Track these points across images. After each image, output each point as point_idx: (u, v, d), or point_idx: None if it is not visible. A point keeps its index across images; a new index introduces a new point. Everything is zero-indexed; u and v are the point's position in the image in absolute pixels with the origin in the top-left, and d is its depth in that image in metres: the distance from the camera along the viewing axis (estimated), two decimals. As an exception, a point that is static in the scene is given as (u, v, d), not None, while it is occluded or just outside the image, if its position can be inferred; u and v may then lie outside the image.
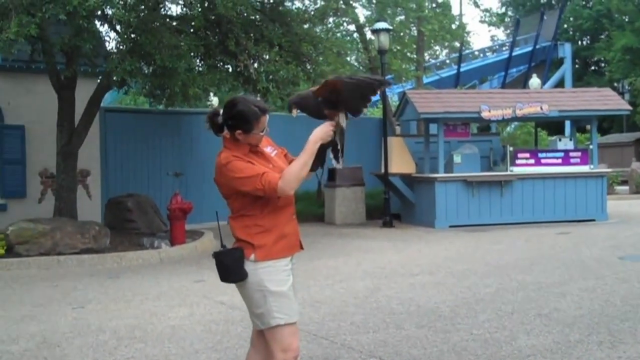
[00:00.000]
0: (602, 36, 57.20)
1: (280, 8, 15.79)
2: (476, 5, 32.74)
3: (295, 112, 4.68)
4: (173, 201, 15.11)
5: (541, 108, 19.45)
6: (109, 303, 10.02)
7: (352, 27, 26.93)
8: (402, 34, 27.18)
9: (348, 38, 27.62)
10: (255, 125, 4.53)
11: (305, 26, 15.99)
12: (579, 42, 59.80)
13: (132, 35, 13.40)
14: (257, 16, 15.01)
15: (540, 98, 20.05)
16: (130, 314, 9.27)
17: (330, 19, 17.68)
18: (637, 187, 31.15)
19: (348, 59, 26.72)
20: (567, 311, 8.64)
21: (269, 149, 4.74)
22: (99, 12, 12.92)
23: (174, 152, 20.44)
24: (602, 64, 59.22)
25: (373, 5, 26.18)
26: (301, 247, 4.82)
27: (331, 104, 4.58)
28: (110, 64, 13.08)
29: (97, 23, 13.96)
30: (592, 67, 61.70)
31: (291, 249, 4.70)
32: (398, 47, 26.31)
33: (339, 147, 4.70)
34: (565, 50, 47.50)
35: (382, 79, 4.62)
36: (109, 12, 13.30)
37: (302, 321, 7.77)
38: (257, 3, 15.55)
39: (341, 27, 21.99)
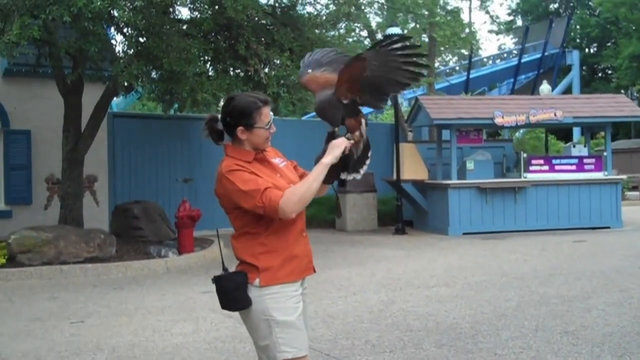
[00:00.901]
0: (609, 44, 57.05)
1: (292, 12, 15.15)
2: (486, 12, 32.00)
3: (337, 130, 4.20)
4: (181, 208, 14.40)
5: (555, 114, 18.87)
6: (110, 317, 9.33)
7: (364, 33, 26.44)
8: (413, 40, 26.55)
9: (360, 45, 27.00)
10: (257, 117, 3.99)
11: (317, 31, 15.27)
12: (587, 50, 59.47)
13: (139, 39, 12.80)
14: (268, 20, 14.36)
15: (553, 104, 19.48)
16: (131, 329, 8.56)
17: (342, 25, 16.92)
18: (646, 193, 30.43)
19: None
20: (594, 328, 7.97)
21: (277, 160, 4.20)
22: (106, 15, 12.18)
23: (183, 157, 19.79)
24: (609, 71, 59.18)
25: (384, 12, 25.62)
26: (313, 270, 4.22)
27: (354, 110, 4.07)
28: (116, 67, 12.42)
29: (104, 26, 13.20)
30: (599, 74, 61.38)
31: (301, 272, 4.12)
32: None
33: (360, 158, 4.19)
34: (573, 58, 47.03)
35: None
36: (116, 14, 12.59)
37: (314, 337, 7.27)
38: (268, 7, 14.91)
39: (353, 33, 21.26)
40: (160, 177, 19.41)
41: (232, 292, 3.96)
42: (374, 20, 28.38)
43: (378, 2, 23.37)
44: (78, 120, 14.97)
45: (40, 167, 17.36)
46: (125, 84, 12.90)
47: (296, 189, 3.89)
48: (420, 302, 9.81)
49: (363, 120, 4.13)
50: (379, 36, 25.62)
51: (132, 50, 12.94)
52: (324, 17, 15.85)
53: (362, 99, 4.04)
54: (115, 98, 31.30)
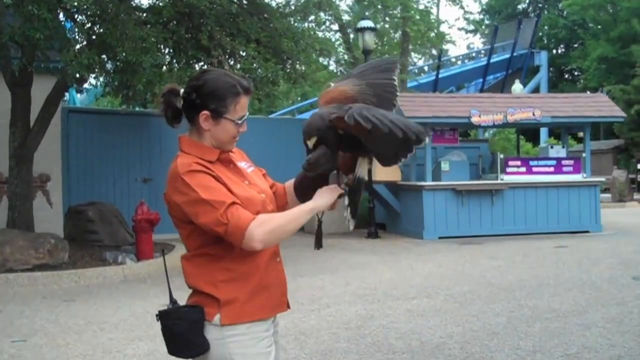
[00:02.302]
0: (577, 45, 57.14)
1: (258, 1, 14.14)
2: (460, 6, 31.40)
3: (312, 142, 3.19)
4: (139, 211, 13.35)
5: (533, 114, 18.19)
6: (57, 335, 8.33)
7: (335, 27, 25.72)
8: (385, 38, 26.03)
9: (332, 38, 26.36)
10: (231, 105, 3.08)
11: (285, 21, 14.32)
12: (554, 51, 59.36)
13: (90, 25, 11.70)
14: (233, 8, 13.33)
15: (531, 103, 18.79)
16: (79, 350, 7.58)
17: (312, 17, 16.01)
18: (619, 195, 30.45)
19: (331, 59, 25.50)
20: (599, 350, 7.14)
21: (243, 165, 3.34)
22: None
23: (142, 156, 18.70)
24: (576, 73, 59.24)
25: (355, 7, 24.99)
26: (287, 306, 3.39)
27: (353, 145, 3.11)
28: (65, 57, 11.33)
29: (54, 11, 12.00)
30: (567, 76, 61.40)
31: (274, 307, 3.27)
32: (385, 48, 25.15)
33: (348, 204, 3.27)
34: (541, 58, 46.67)
35: (420, 132, 2.90)
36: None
37: (286, 360, 6.25)
38: None
39: (323, 26, 20.50)
40: (118, 177, 18.34)
41: (184, 334, 3.03)
42: (346, 14, 27.67)
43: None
44: (27, 115, 13.84)
45: (-14, 166, 16.10)
46: (77, 75, 11.75)
47: (274, 217, 3.05)
48: (401, 316, 8.95)
49: (362, 162, 3.22)
50: (350, 31, 24.95)
51: (83, 38, 11.93)
52: (293, 7, 14.90)
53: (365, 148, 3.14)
54: (79, 95, 30.12)
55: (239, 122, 3.10)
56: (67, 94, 29.76)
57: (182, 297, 3.17)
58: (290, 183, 3.47)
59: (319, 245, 3.40)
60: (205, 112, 3.04)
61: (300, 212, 3.07)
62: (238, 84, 3.07)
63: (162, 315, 3.05)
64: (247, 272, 3.06)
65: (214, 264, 3.04)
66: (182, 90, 3.12)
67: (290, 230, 3.03)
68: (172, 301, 3.09)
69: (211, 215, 2.90)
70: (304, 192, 3.29)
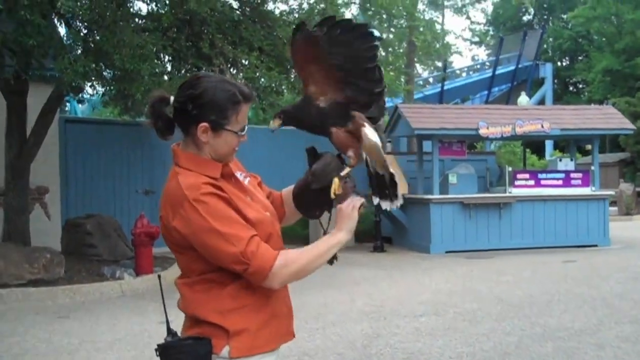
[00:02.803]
0: (581, 57, 56.95)
1: (261, 8, 13.78)
2: (467, 17, 31.24)
3: (277, 124, 2.99)
4: (138, 224, 12.96)
5: (542, 126, 17.90)
6: (49, 355, 7.98)
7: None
8: (390, 49, 25.75)
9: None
10: (232, 116, 2.76)
11: (289, 28, 13.94)
12: (559, 63, 59.15)
13: (87, 32, 11.38)
14: (235, 15, 12.96)
15: (540, 115, 18.46)
16: (70, 372, 7.16)
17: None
18: (627, 208, 30.04)
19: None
20: (617, 372, 6.72)
21: (239, 176, 2.99)
22: (46, 3, 10.66)
23: (143, 167, 18.27)
24: (581, 85, 59.03)
25: (361, 15, 24.71)
26: (293, 335, 3.05)
27: (342, 114, 2.88)
28: (60, 64, 10.91)
29: (49, 17, 11.62)
30: (571, 88, 61.19)
31: (282, 336, 2.93)
32: (390, 58, 24.83)
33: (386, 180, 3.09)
34: (546, 70, 46.51)
35: None
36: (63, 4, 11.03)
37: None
38: (235, 1, 13.60)
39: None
40: (119, 189, 17.93)
41: None
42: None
43: (354, 2, 22.37)
44: (22, 125, 13.43)
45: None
46: (73, 83, 11.31)
47: (300, 256, 2.76)
48: (409, 335, 8.57)
49: (364, 129, 2.91)
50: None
51: (79, 45, 11.54)
52: (297, 15, 14.53)
53: (346, 96, 2.86)
54: (80, 105, 29.66)
55: (241, 133, 2.77)
56: (68, 104, 29.44)
57: (179, 317, 2.80)
58: (287, 191, 3.15)
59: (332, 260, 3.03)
60: (204, 124, 2.70)
61: (328, 247, 2.83)
62: (238, 92, 2.75)
63: (162, 351, 2.69)
64: (256, 300, 2.75)
65: (219, 290, 2.71)
66: (172, 99, 2.77)
67: (315, 268, 2.78)
68: (171, 333, 2.74)
69: (228, 251, 2.59)
70: (305, 202, 3.00)
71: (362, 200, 2.85)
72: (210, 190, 2.64)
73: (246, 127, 2.80)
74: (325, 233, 2.94)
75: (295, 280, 2.73)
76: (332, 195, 2.86)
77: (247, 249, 2.58)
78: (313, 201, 2.93)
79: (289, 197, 3.10)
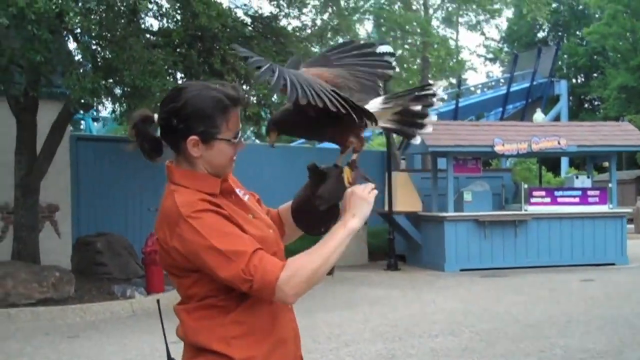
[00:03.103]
0: (596, 74, 56.67)
1: (274, 24, 13.64)
2: (482, 33, 31.10)
3: (274, 137, 2.75)
4: (148, 242, 12.79)
5: (558, 142, 17.66)
6: (55, 377, 7.77)
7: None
8: (405, 65, 25.61)
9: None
10: (221, 122, 2.52)
11: (302, 44, 13.81)
12: (574, 80, 58.87)
13: (96, 47, 11.32)
14: (247, 31, 12.81)
15: (556, 132, 18.26)
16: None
17: (330, 42, 15.53)
18: (643, 226, 29.47)
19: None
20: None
21: (240, 192, 2.76)
22: (53, 18, 10.38)
23: (155, 184, 17.75)
24: (596, 102, 58.69)
25: (375, 31, 24.63)
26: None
27: (330, 118, 2.54)
28: (68, 80, 10.75)
29: (59, 32, 11.53)
30: (586, 105, 60.88)
31: None
32: (404, 74, 24.69)
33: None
34: (561, 87, 46.20)
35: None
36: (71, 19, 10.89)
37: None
38: (247, 17, 13.45)
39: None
40: (130, 206, 17.72)
41: None
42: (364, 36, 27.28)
43: (368, 18, 22.25)
44: (32, 143, 13.29)
45: (-7, 195, 15.67)
46: (82, 100, 11.18)
47: (308, 260, 2.49)
48: (425, 356, 8.39)
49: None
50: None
51: (88, 61, 11.38)
52: (310, 31, 14.41)
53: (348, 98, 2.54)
54: (95, 123, 29.53)
55: (235, 140, 2.55)
56: (83, 123, 29.34)
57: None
58: (285, 209, 2.91)
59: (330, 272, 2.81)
60: (193, 137, 2.49)
61: (340, 241, 2.54)
62: (225, 96, 2.52)
63: None
64: (262, 325, 2.54)
65: (223, 317, 2.51)
66: (156, 116, 2.57)
67: (328, 268, 2.51)
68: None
69: (230, 269, 2.38)
70: (307, 219, 2.76)
71: (374, 185, 2.65)
72: (206, 207, 2.45)
73: (240, 133, 2.59)
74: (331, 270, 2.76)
75: (312, 286, 2.51)
76: (347, 184, 2.64)
77: (250, 264, 2.37)
78: (318, 218, 2.70)
79: (287, 215, 2.86)
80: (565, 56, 57.98)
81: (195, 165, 2.55)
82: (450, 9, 31.11)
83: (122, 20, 11.42)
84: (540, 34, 62.51)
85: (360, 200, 2.58)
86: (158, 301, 3.01)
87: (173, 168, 2.58)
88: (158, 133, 2.61)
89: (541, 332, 9.54)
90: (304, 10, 15.96)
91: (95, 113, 15.68)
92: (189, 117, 2.47)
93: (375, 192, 2.62)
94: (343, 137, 2.64)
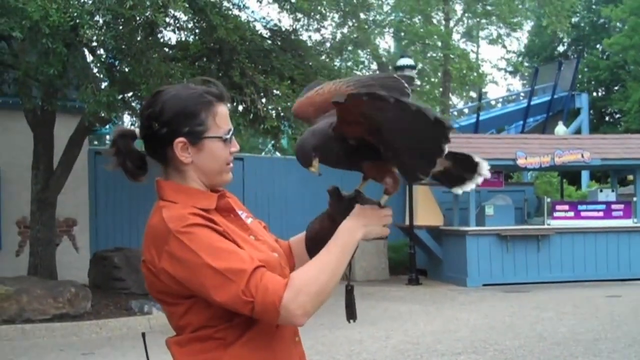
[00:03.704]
0: (617, 87, 56.24)
1: (293, 37, 13.48)
2: (503, 45, 30.77)
3: (316, 166, 2.29)
4: (166, 257, 12.54)
5: (582, 156, 17.28)
6: (67, 395, 7.52)
7: (373, 66, 25.05)
8: (426, 78, 25.40)
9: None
10: (208, 119, 2.27)
11: (322, 58, 13.59)
12: (594, 93, 58.40)
13: (112, 61, 11.23)
14: (266, 44, 12.60)
15: (580, 145, 17.86)
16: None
17: (349, 54, 15.35)
18: (666, 241, 28.64)
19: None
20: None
21: (243, 214, 2.46)
22: (68, 31, 10.27)
23: None
24: (617, 115, 58.23)
25: (395, 43, 24.46)
26: None
27: (370, 151, 2.26)
28: (83, 94, 10.59)
29: (73, 46, 11.31)
30: (607, 118, 60.38)
31: None
32: (426, 87, 24.48)
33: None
34: (582, 101, 45.85)
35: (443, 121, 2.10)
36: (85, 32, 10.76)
37: None
38: (266, 30, 13.26)
39: (361, 65, 19.70)
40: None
41: None
42: (384, 51, 27.07)
43: (388, 32, 22.03)
44: (49, 157, 13.20)
45: (11, 209, 15.57)
46: (102, 114, 11.05)
47: (315, 274, 2.17)
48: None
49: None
50: (390, 68, 24.43)
51: (104, 74, 11.24)
52: (329, 45, 14.20)
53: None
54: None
55: (227, 137, 2.28)
56: (107, 138, 29.28)
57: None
58: (297, 240, 2.60)
59: (352, 316, 2.46)
60: (180, 139, 2.23)
61: (346, 249, 2.24)
62: (205, 92, 2.29)
63: None
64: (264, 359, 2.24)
65: (221, 351, 2.21)
66: (136, 130, 2.33)
67: (337, 281, 2.21)
68: None
69: (228, 291, 2.09)
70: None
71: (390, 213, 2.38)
72: (198, 221, 2.17)
73: (231, 131, 2.32)
74: (349, 283, 2.43)
75: (322, 303, 2.20)
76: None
77: (250, 284, 2.07)
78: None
79: (299, 246, 2.54)
80: (586, 69, 57.63)
81: (187, 177, 2.30)
82: (471, 22, 30.93)
83: (140, 34, 11.25)
84: (561, 48, 62.17)
85: (377, 218, 2.31)
86: (143, 335, 2.74)
87: (162, 182, 2.32)
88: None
89: (567, 351, 9.19)
90: (324, 23, 15.79)
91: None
92: (171, 118, 2.24)
93: (390, 220, 2.34)
94: (378, 175, 2.34)
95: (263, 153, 33.27)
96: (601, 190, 19.32)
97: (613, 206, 17.94)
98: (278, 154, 22.58)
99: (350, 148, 2.26)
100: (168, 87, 2.37)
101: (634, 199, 18.12)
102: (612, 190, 19.07)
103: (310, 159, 2.25)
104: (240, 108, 12.62)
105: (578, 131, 43.65)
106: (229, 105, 2.37)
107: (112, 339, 10.90)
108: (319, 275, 2.14)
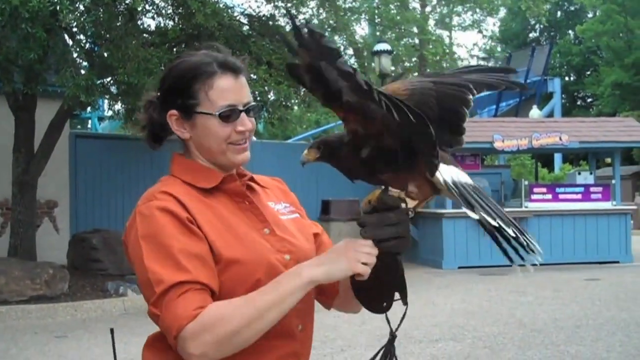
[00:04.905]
0: (589, 72, 56.24)
1: (271, 23, 13.28)
2: (479, 31, 30.50)
3: (312, 156, 1.98)
4: (143, 239, 12.12)
5: (560, 139, 16.89)
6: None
7: (349, 52, 24.63)
8: (401, 63, 25.09)
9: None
10: (200, 92, 1.98)
11: (300, 43, 13.28)
12: (567, 78, 58.38)
13: (91, 46, 11.19)
14: (244, 30, 12.37)
15: (558, 128, 17.49)
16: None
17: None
18: (643, 222, 28.77)
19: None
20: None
21: (279, 207, 2.16)
22: (47, 16, 10.05)
23: (152, 181, 17.04)
24: (589, 99, 58.29)
25: (370, 26, 24.15)
26: None
27: (389, 158, 1.87)
28: (62, 78, 10.42)
29: (53, 31, 11.16)
30: (579, 102, 60.45)
31: None
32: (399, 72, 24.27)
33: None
34: (555, 85, 45.57)
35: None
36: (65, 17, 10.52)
37: None
38: (244, 16, 12.98)
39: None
40: (127, 203, 16.89)
41: None
42: (360, 37, 26.67)
43: (365, 18, 21.67)
44: (30, 140, 12.95)
45: (-8, 191, 15.28)
46: (82, 98, 10.73)
47: (233, 313, 1.77)
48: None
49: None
50: (366, 54, 24.05)
51: (83, 59, 11.25)
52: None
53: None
54: (100, 122, 29.01)
55: (224, 113, 1.93)
56: (90, 122, 28.86)
57: None
58: None
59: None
60: (172, 111, 2.02)
61: (286, 291, 1.82)
62: (214, 61, 1.99)
63: None
64: None
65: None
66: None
67: (261, 329, 1.79)
68: None
69: (146, 292, 1.83)
70: (364, 288, 2.03)
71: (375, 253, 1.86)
72: (162, 205, 1.89)
73: (239, 110, 1.98)
74: (392, 333, 2.08)
75: (236, 349, 1.79)
76: (363, 205, 1.92)
77: (165, 297, 1.76)
78: (376, 286, 1.98)
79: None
80: (559, 55, 57.51)
81: (191, 153, 2.08)
82: (445, 10, 30.66)
83: (120, 20, 11.09)
84: (534, 34, 62.20)
85: (354, 252, 1.84)
86: (112, 331, 2.28)
87: (174, 156, 2.13)
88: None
89: (549, 338, 8.75)
90: (302, 9, 15.53)
91: (102, 112, 15.35)
92: (167, 88, 2.05)
93: (369, 258, 1.85)
94: (399, 184, 1.90)
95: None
96: (579, 173, 19.02)
97: (591, 189, 17.62)
98: (254, 137, 22.23)
99: (365, 159, 1.87)
100: (189, 51, 2.13)
101: (612, 181, 17.83)
102: (591, 173, 18.82)
103: (310, 146, 1.98)
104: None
105: (550, 115, 43.55)
106: (242, 78, 2.02)
107: (87, 321, 10.57)
108: (236, 317, 1.76)
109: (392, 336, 2.06)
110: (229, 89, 1.97)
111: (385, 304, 2.06)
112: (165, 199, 1.90)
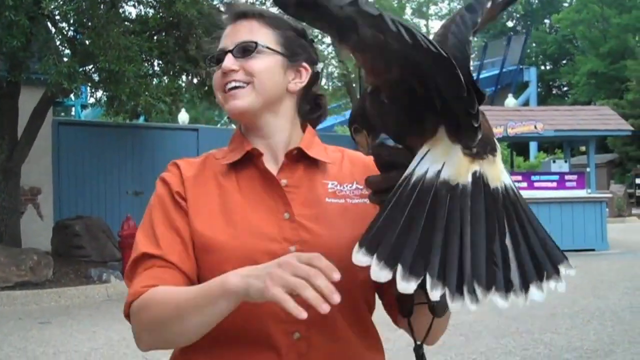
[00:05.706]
0: (565, 61, 56.48)
1: (249, 11, 13.13)
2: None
3: (361, 141, 1.64)
4: (124, 226, 12.34)
5: (535, 127, 16.83)
6: (19, 368, 7.09)
7: (327, 40, 24.57)
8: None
9: (324, 52, 25.18)
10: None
11: (278, 31, 13.28)
12: (542, 67, 58.59)
13: (73, 33, 11.14)
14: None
15: (533, 116, 17.49)
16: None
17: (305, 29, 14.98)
18: (618, 210, 29.13)
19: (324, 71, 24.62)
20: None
21: (343, 188, 1.78)
22: (35, 5, 10.14)
23: (134, 168, 17.35)
24: (565, 88, 58.56)
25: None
26: None
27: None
28: (45, 65, 10.44)
29: (36, 19, 11.13)
30: (555, 91, 60.70)
31: None
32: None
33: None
34: (531, 74, 45.81)
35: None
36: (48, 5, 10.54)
37: None
38: (224, 5, 12.86)
39: (316, 39, 19.36)
40: (110, 190, 17.11)
41: None
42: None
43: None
44: (14, 127, 12.91)
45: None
46: (64, 85, 10.70)
47: (162, 300, 1.55)
48: (400, 352, 7.51)
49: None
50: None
51: (65, 46, 11.24)
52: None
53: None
54: (83, 110, 28.92)
55: (212, 59, 1.85)
56: (73, 110, 28.71)
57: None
58: None
59: None
60: None
61: (205, 296, 1.47)
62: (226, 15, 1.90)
63: None
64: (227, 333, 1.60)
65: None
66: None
67: (182, 329, 1.52)
68: None
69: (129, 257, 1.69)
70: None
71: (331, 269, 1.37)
72: (163, 175, 1.77)
73: (223, 50, 1.82)
74: (416, 342, 1.70)
75: (163, 342, 1.58)
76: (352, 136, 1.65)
77: (137, 266, 1.64)
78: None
79: None
80: (534, 44, 57.70)
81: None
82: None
83: (102, 8, 11.02)
84: (510, 23, 62.33)
85: (291, 267, 1.36)
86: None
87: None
88: None
89: (524, 327, 8.70)
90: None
91: (86, 100, 15.31)
92: None
93: (323, 283, 1.33)
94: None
95: (219, 125, 32.72)
96: (554, 161, 19.04)
97: (566, 177, 17.62)
98: (233, 125, 22.12)
99: (390, 115, 1.49)
100: None
101: (587, 169, 17.89)
102: (565, 161, 18.83)
103: (354, 132, 1.65)
104: (196, 81, 12.59)
105: (526, 103, 43.84)
106: (243, 22, 1.83)
107: (70, 308, 10.54)
108: (159, 308, 1.54)
109: (418, 345, 1.71)
110: (225, 35, 1.84)
111: (406, 311, 1.70)
112: (170, 169, 1.78)
